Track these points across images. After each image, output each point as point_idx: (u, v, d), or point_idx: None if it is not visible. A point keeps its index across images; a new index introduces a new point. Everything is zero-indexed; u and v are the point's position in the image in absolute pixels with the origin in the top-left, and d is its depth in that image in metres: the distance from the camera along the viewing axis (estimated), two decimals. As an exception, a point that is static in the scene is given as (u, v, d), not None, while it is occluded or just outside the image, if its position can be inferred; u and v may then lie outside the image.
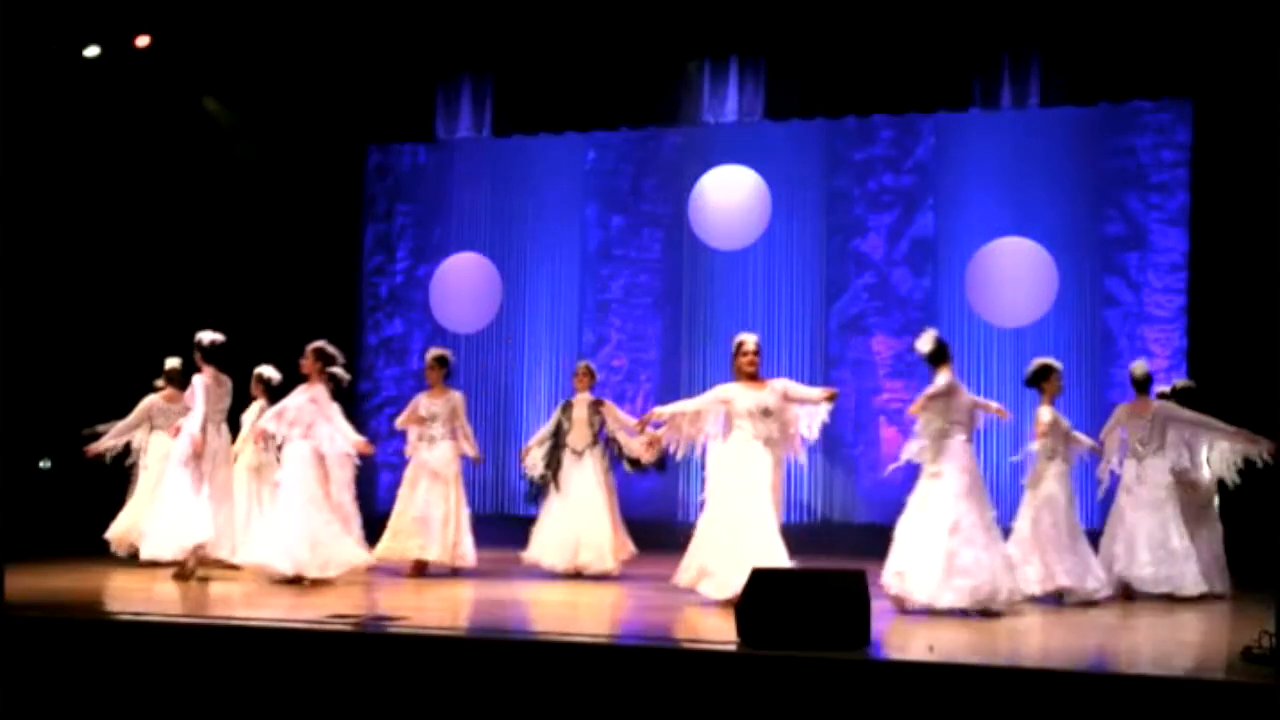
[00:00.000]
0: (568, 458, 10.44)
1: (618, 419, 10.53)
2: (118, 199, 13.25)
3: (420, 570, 10.20)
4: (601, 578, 10.11)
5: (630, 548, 10.56)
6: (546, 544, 10.35)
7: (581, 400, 10.59)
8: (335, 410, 9.56)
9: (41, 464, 12.87)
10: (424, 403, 10.50)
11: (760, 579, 6.48)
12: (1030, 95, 12.42)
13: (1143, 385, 9.89)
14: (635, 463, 10.30)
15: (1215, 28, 11.20)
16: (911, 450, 8.54)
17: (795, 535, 8.48)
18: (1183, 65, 11.77)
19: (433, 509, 10.20)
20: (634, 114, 13.55)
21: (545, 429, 10.76)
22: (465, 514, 10.37)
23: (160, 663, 6.73)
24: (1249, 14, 9.97)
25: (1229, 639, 7.24)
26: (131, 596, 8.63)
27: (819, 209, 13.51)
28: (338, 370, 9.80)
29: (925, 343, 8.61)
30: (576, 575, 10.17)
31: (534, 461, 10.60)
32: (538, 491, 10.62)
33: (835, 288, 13.41)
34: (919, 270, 13.20)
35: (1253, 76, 9.98)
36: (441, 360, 10.58)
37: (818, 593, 6.34)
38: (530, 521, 10.72)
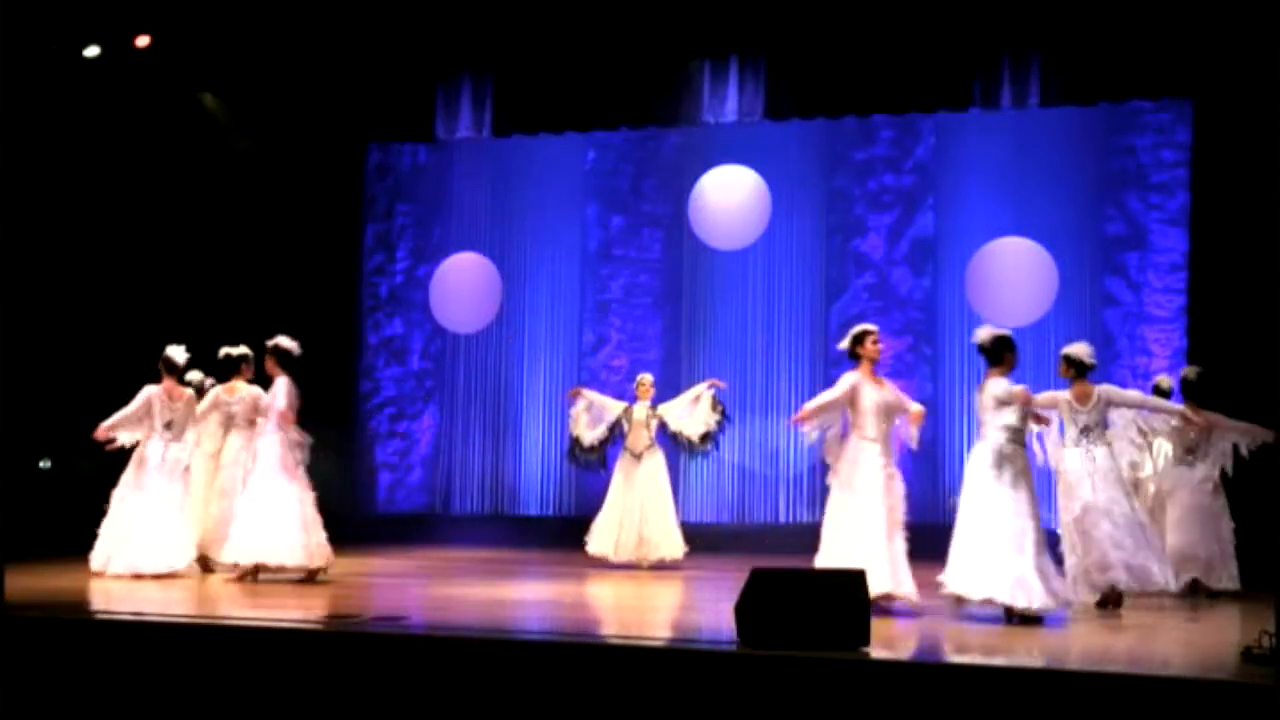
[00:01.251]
0: (627, 459, 11.28)
1: (675, 406, 11.34)
2: (118, 199, 13.25)
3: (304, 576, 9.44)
4: (671, 566, 10.98)
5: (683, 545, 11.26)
6: (610, 539, 11.06)
7: (641, 407, 11.40)
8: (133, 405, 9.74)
9: (41, 464, 12.87)
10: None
11: (760, 579, 6.47)
12: (1030, 95, 12.39)
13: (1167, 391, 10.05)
14: (691, 443, 11.28)
15: (1215, 28, 11.19)
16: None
17: (796, 535, 8.47)
18: (1183, 65, 11.75)
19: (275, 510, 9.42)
20: (634, 114, 13.54)
21: (608, 405, 11.49)
22: (289, 510, 9.40)
23: (159, 663, 6.73)
24: (1249, 14, 9.96)
25: (1229, 639, 7.23)
26: (130, 596, 8.62)
27: (819, 209, 13.51)
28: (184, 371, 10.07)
29: (1084, 352, 8.73)
30: (649, 568, 10.90)
31: (580, 420, 11.42)
32: (575, 457, 11.63)
33: (835, 288, 13.41)
34: (919, 270, 13.20)
35: (1253, 76, 9.97)
36: (271, 350, 9.64)
37: (817, 593, 6.34)
38: (529, 522, 10.77)
